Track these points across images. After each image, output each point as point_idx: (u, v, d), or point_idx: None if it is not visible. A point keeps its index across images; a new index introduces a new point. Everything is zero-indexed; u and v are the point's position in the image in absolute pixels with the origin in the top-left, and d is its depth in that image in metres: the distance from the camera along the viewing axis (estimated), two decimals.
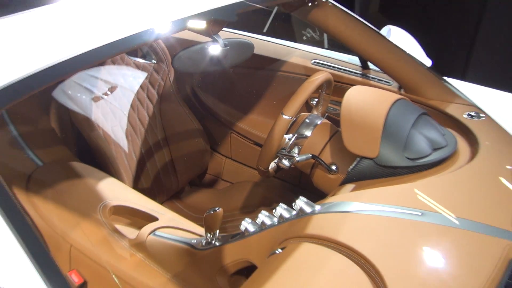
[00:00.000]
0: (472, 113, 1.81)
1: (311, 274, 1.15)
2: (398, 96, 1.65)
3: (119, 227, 1.72)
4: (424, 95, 1.93)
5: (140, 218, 1.77)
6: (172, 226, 1.73)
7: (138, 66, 2.28)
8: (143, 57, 2.32)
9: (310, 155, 1.68)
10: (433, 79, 1.93)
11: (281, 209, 1.43)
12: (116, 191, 1.83)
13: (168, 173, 2.35)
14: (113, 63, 2.19)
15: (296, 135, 1.74)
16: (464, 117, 1.80)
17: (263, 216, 1.45)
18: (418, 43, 2.21)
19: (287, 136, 1.73)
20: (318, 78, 1.76)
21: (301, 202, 1.41)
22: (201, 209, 2.40)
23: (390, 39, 2.01)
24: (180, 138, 2.40)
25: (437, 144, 1.57)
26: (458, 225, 1.23)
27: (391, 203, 1.34)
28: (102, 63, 2.15)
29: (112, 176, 1.91)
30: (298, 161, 1.69)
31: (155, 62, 2.34)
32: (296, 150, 1.74)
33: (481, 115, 1.80)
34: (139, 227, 1.69)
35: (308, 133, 1.74)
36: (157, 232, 1.68)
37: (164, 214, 1.77)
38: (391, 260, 1.15)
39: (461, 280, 1.11)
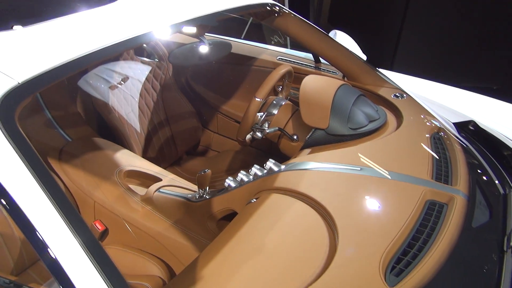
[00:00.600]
0: (397, 94, 1.78)
1: (278, 217, 1.12)
2: (342, 82, 1.62)
3: (131, 186, 1.67)
4: (362, 82, 1.89)
5: (148, 180, 1.72)
6: (173, 185, 1.68)
7: (144, 63, 2.20)
8: (148, 56, 2.24)
9: (277, 128, 1.65)
10: (368, 69, 1.89)
11: (255, 169, 1.40)
12: (129, 159, 1.78)
13: (169, 145, 2.30)
14: (125, 60, 2.11)
15: (266, 113, 1.69)
16: (391, 97, 1.77)
17: (241, 175, 1.42)
18: (356, 42, 2.17)
19: (259, 114, 1.69)
20: (282, 69, 1.72)
21: (270, 163, 1.37)
22: (195, 172, 2.34)
23: (336, 40, 1.96)
24: (178, 118, 2.34)
25: (372, 117, 1.54)
26: (388, 176, 1.21)
27: (338, 162, 1.31)
28: (116, 59, 2.07)
29: (126, 149, 1.86)
30: (268, 133, 1.65)
31: (157, 60, 2.26)
32: (266, 125, 1.70)
33: (404, 95, 1.77)
34: (147, 186, 1.65)
35: (275, 111, 1.70)
36: (161, 190, 1.63)
37: (167, 176, 1.72)
38: (339, 204, 1.13)
39: (391, 217, 1.09)
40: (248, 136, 1.75)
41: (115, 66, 2.07)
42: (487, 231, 1.09)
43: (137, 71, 2.15)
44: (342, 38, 2.15)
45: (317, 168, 1.29)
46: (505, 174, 1.39)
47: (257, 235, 1.06)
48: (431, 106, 1.76)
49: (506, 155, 1.48)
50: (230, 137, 2.49)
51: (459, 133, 1.63)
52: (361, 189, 1.18)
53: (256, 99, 1.63)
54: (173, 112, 2.32)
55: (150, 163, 1.81)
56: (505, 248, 1.02)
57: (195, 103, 2.44)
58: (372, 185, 1.18)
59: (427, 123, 1.56)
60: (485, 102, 1.83)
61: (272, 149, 2.32)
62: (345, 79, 1.96)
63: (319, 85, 1.59)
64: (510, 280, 0.93)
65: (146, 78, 2.19)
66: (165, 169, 1.85)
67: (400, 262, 0.94)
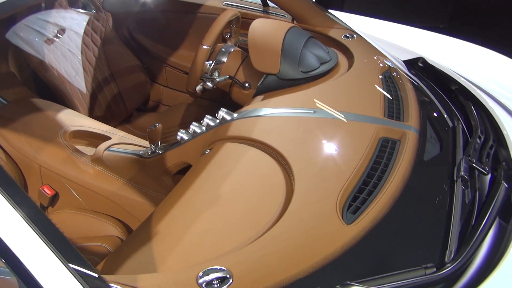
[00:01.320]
0: (348, 35, 1.76)
1: (233, 165, 1.10)
2: (291, 25, 1.57)
3: (79, 147, 1.59)
4: (311, 24, 1.85)
5: (96, 139, 1.63)
6: (123, 142, 1.61)
7: (80, 14, 2.05)
8: (84, 7, 2.08)
9: (227, 76, 1.59)
10: (317, 11, 1.85)
11: (207, 120, 1.36)
12: (73, 119, 1.68)
13: (118, 102, 2.20)
14: (58, 13, 1.95)
15: (215, 61, 1.63)
16: (342, 38, 1.74)
17: (194, 127, 1.38)
18: None
19: (207, 63, 1.62)
20: (228, 14, 1.64)
21: (222, 112, 1.33)
22: (147, 128, 2.28)
23: None
24: (124, 74, 2.23)
25: (323, 59, 1.52)
26: (341, 117, 1.21)
27: (291, 106, 1.29)
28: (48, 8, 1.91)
29: (69, 109, 1.75)
30: (218, 82, 1.59)
31: (95, 11, 2.11)
32: (216, 74, 1.64)
33: (354, 35, 1.75)
34: (96, 146, 1.57)
35: (224, 59, 1.64)
36: (111, 148, 1.56)
37: (116, 134, 1.65)
38: (293, 148, 1.12)
39: (346, 157, 1.09)
40: (199, 87, 1.69)
41: (48, 16, 1.91)
42: (438, 163, 1.12)
43: (73, 23, 2.00)
44: None
45: (270, 114, 1.27)
46: (453, 108, 1.42)
47: (212, 185, 1.04)
48: (381, 45, 1.75)
49: (454, 89, 1.51)
50: (180, 90, 2.41)
51: (409, 70, 1.64)
52: (315, 131, 1.17)
53: (203, 46, 1.56)
54: (118, 68, 2.19)
55: (97, 122, 1.72)
56: (455, 178, 1.05)
57: (141, 57, 2.32)
58: (326, 127, 1.18)
59: (378, 63, 1.56)
60: (433, 38, 1.85)
61: (225, 99, 2.27)
62: (294, 22, 1.91)
63: (268, 29, 1.54)
64: (460, 207, 0.97)
65: (85, 32, 2.04)
66: (115, 127, 1.77)
67: (356, 199, 0.95)
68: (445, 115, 1.33)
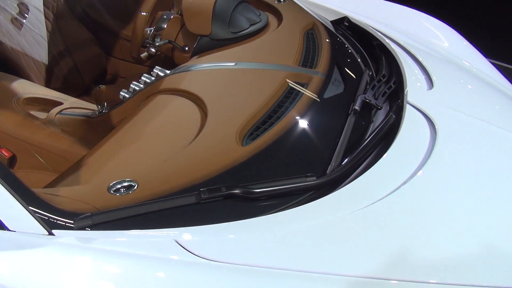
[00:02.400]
0: (281, 0, 1.90)
1: (159, 111, 1.26)
2: None
3: (32, 112, 1.73)
4: None
5: (49, 105, 1.77)
6: (74, 106, 1.75)
7: None
8: None
9: (167, 40, 1.73)
10: None
11: (144, 78, 1.50)
12: (27, 88, 1.81)
13: (74, 75, 2.31)
14: None
15: (156, 27, 1.77)
16: (275, 2, 1.89)
17: (133, 85, 1.52)
18: None
19: (148, 29, 1.76)
20: None
21: (157, 70, 1.48)
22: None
23: None
24: (79, 47, 2.34)
25: (253, 21, 1.66)
26: (258, 67, 1.37)
27: (217, 61, 1.45)
28: None
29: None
30: (158, 46, 1.73)
31: None
32: (158, 39, 1.78)
33: (286, 0, 1.90)
34: (49, 111, 1.71)
35: (164, 25, 1.77)
36: (63, 112, 1.70)
37: (68, 100, 1.78)
38: (212, 93, 1.28)
39: (255, 98, 1.25)
40: (144, 54, 1.83)
41: None
42: (337, 100, 1.29)
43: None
44: None
45: (197, 68, 1.42)
46: (367, 57, 1.59)
47: (138, 126, 1.20)
48: (310, 7, 1.90)
49: (371, 43, 1.68)
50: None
51: (335, 29, 1.80)
52: (233, 79, 1.33)
53: (141, 13, 1.70)
54: (72, 41, 2.30)
55: (51, 90, 1.85)
56: (349, 111, 1.22)
57: (95, 31, 2.43)
58: (243, 75, 1.34)
59: (303, 22, 1.71)
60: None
61: (174, 64, 2.41)
62: None
63: None
64: (349, 133, 1.15)
65: (36, 8, 2.15)
66: None
67: (258, 130, 1.12)
68: (356, 63, 1.50)
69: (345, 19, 1.85)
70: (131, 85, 1.52)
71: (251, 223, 0.87)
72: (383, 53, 1.60)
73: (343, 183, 1.02)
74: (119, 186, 0.93)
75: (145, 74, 1.50)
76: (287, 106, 1.19)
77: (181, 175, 0.97)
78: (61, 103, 1.76)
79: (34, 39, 2.11)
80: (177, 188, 0.92)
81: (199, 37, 1.62)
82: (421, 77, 1.45)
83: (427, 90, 1.38)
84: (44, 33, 2.17)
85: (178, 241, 0.81)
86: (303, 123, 1.15)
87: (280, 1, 1.90)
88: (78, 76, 2.33)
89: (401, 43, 1.66)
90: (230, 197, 0.92)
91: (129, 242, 0.82)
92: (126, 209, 0.86)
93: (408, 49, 1.62)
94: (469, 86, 1.47)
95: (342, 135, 1.14)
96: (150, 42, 1.76)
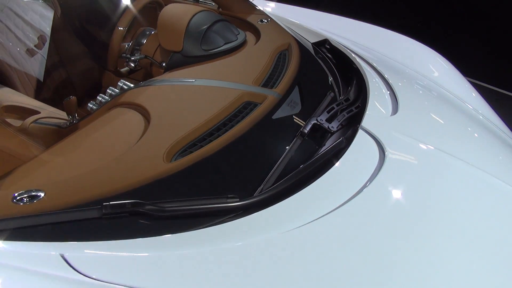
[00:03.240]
0: (263, 20, 1.91)
1: (107, 124, 1.26)
2: (201, 8, 1.73)
3: (9, 120, 1.76)
4: (234, 11, 2.00)
5: (27, 114, 1.80)
6: (51, 116, 1.78)
7: (27, 4, 2.22)
8: None
9: (144, 55, 1.75)
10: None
11: (110, 91, 1.52)
12: (8, 96, 1.85)
13: (67, 87, 2.36)
14: None
15: (134, 42, 1.79)
16: (257, 22, 1.89)
17: (100, 98, 1.54)
18: None
19: (126, 43, 1.79)
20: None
21: (121, 83, 1.50)
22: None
23: None
24: (73, 60, 2.40)
25: (228, 39, 1.67)
26: (216, 84, 1.35)
27: (179, 77, 1.45)
28: None
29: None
30: (134, 60, 1.75)
31: (42, 0, 2.29)
32: (138, 54, 1.80)
33: (268, 20, 1.90)
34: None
35: (144, 40, 1.80)
36: (38, 121, 1.73)
37: (46, 109, 1.82)
38: (161, 106, 1.27)
39: (202, 114, 1.23)
40: (125, 68, 1.86)
41: None
42: (287, 122, 1.26)
43: (20, 10, 2.18)
44: None
45: (158, 83, 1.43)
46: (339, 81, 1.56)
47: (77, 139, 1.20)
48: (294, 28, 1.90)
49: (351, 68, 1.65)
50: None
51: (315, 51, 1.78)
52: (187, 96, 1.32)
53: (118, 28, 1.73)
54: (66, 54, 2.37)
55: (33, 99, 1.89)
56: (297, 134, 1.19)
57: (91, 45, 2.49)
58: (198, 92, 1.33)
59: (280, 43, 1.70)
60: (341, 22, 1.99)
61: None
62: (220, 9, 2.06)
63: (177, 12, 1.70)
64: (288, 158, 1.11)
65: (33, 20, 2.22)
66: None
67: (193, 147, 1.09)
68: (322, 86, 1.47)
69: (326, 41, 1.83)
70: (98, 97, 1.54)
71: (150, 242, 0.84)
72: (355, 76, 1.57)
73: (266, 207, 0.97)
74: (24, 195, 0.92)
75: (110, 87, 1.52)
76: (232, 125, 1.17)
77: (95, 188, 0.95)
78: (38, 112, 1.79)
79: (28, 51, 2.17)
80: (86, 200, 0.90)
81: (172, 53, 1.63)
82: (388, 102, 1.41)
83: (390, 115, 1.34)
84: (40, 45, 2.24)
85: (64, 256, 0.78)
86: (241, 142, 1.12)
87: (263, 21, 1.90)
88: (70, 88, 2.38)
89: (377, 67, 1.62)
90: (136, 214, 0.89)
91: (14, 253, 0.80)
92: (16, 219, 0.85)
93: (382, 74, 1.58)
94: (437, 116, 1.42)
95: (282, 157, 1.10)
96: (128, 56, 1.78)
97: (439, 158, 1.17)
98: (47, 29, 2.21)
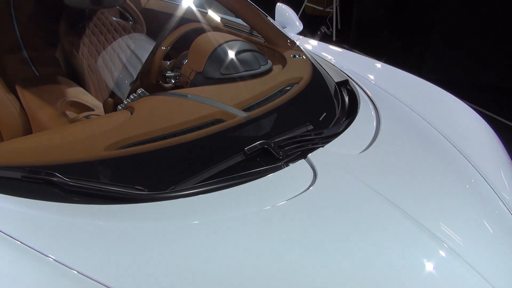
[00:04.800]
0: (297, 56, 2.02)
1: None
2: (233, 38, 1.92)
3: (69, 113, 2.14)
4: (277, 45, 2.16)
5: (85, 110, 2.17)
6: (100, 114, 2.12)
7: (119, 24, 2.67)
8: (124, 19, 2.71)
9: (178, 73, 2.00)
10: (281, 34, 2.16)
11: (132, 96, 1.77)
12: (77, 95, 2.25)
13: (115, 94, 2.71)
14: (99, 20, 2.60)
15: (176, 61, 2.06)
16: (290, 57, 2.02)
17: (126, 101, 1.80)
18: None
19: (167, 62, 2.06)
20: (189, 26, 2.07)
21: (139, 91, 1.74)
22: None
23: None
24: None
25: (250, 68, 1.82)
26: (203, 101, 1.49)
27: (183, 92, 1.64)
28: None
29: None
30: (175, 77, 2.01)
31: (132, 22, 2.72)
32: (178, 72, 2.06)
33: (301, 56, 2.01)
34: None
35: (184, 61, 2.05)
36: (89, 116, 2.08)
37: (100, 109, 2.17)
38: (145, 111, 1.46)
39: (176, 120, 1.37)
40: (168, 84, 2.14)
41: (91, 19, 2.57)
42: (239, 140, 1.34)
43: (112, 29, 2.63)
44: (283, 10, 2.43)
45: (161, 94, 1.64)
46: (336, 117, 1.60)
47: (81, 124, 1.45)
48: (326, 67, 1.98)
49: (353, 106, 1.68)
50: None
51: (335, 89, 1.84)
52: (172, 106, 1.48)
53: (162, 47, 2.00)
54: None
55: (95, 99, 2.27)
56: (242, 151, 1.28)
57: None
58: (182, 104, 1.49)
59: (295, 76, 1.80)
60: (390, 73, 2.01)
61: None
62: (266, 43, 2.24)
63: (211, 38, 1.92)
64: (217, 169, 1.20)
65: (122, 38, 2.66)
66: None
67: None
68: (306, 117, 1.53)
69: (346, 82, 1.87)
70: (125, 101, 1.81)
71: (49, 205, 1.01)
72: (351, 114, 1.60)
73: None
74: None
75: (133, 94, 1.78)
76: (184, 132, 1.30)
77: (36, 156, 1.16)
78: (93, 110, 2.14)
79: (111, 62, 2.60)
80: (24, 164, 1.12)
81: (195, 73, 1.84)
82: (365, 142, 1.41)
83: (358, 153, 1.35)
84: (122, 59, 2.65)
85: None
86: (181, 147, 1.25)
87: (296, 56, 2.02)
88: (119, 95, 2.72)
89: (380, 110, 1.63)
90: (49, 183, 1.07)
91: None
92: None
93: (379, 116, 1.58)
94: (408, 164, 1.37)
95: (211, 167, 1.20)
96: (166, 73, 2.05)
97: (368, 196, 1.15)
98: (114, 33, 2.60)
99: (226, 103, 1.50)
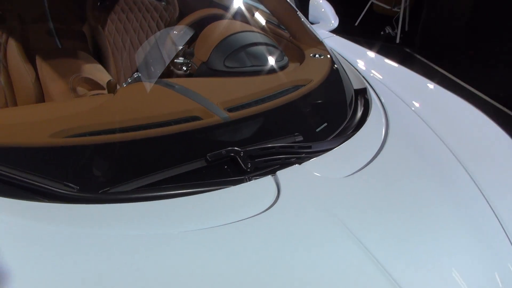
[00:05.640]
0: (317, 54, 1.83)
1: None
2: (245, 29, 1.76)
3: (80, 89, 2.10)
4: (302, 42, 1.97)
5: (96, 88, 2.12)
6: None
7: (151, 4, 2.59)
8: None
9: (188, 60, 1.88)
10: (309, 31, 1.97)
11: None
12: (92, 72, 2.20)
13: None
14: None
15: (186, 46, 1.94)
16: (310, 55, 1.83)
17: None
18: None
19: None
20: (207, 11, 1.94)
21: (136, 74, 1.65)
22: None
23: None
24: None
25: (259, 63, 1.66)
26: (187, 95, 1.35)
27: (175, 82, 1.51)
28: None
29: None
30: (187, 64, 1.89)
31: (165, 3, 2.63)
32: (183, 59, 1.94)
33: (322, 56, 1.81)
34: None
35: None
36: (98, 94, 2.02)
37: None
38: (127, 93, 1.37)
39: (152, 111, 1.27)
40: (180, 71, 2.03)
41: None
42: (207, 143, 1.19)
43: (143, 8, 2.56)
44: (319, 4, 2.23)
45: (151, 81, 1.52)
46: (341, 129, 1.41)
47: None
48: (349, 71, 1.78)
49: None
50: None
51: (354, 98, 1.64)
52: (155, 94, 1.36)
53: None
54: None
55: (109, 77, 2.21)
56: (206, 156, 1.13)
57: None
58: (166, 95, 1.36)
59: (305, 77, 1.62)
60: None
61: None
62: (291, 37, 2.05)
63: (221, 27, 1.77)
64: (173, 173, 1.07)
65: (152, 17, 2.58)
66: None
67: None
68: (297, 127, 1.35)
69: (365, 90, 1.66)
70: (124, 84, 1.72)
71: None
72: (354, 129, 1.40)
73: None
74: None
75: (130, 77, 1.68)
76: (151, 126, 1.18)
77: None
78: (104, 89, 2.08)
79: (134, 40, 2.54)
80: None
81: (201, 62, 1.71)
82: (358, 164, 1.21)
83: (341, 177, 1.15)
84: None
85: None
86: (140, 143, 1.12)
87: (316, 56, 1.83)
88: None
89: (391, 128, 1.41)
90: None
91: None
92: None
93: (388, 134, 1.37)
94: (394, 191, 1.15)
95: (163, 170, 1.07)
96: (178, 60, 1.94)
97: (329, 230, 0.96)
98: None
99: (213, 100, 1.36)
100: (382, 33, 5.84)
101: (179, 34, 1.92)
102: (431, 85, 1.72)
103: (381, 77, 1.73)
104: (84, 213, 0.94)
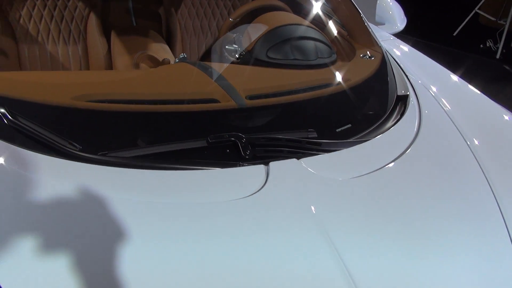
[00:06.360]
0: (367, 56, 1.77)
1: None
2: (298, 22, 1.75)
3: (143, 65, 2.24)
4: (358, 41, 1.92)
5: (157, 64, 2.25)
6: None
7: None
8: None
9: (237, 46, 1.92)
10: (365, 30, 1.91)
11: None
12: (158, 51, 2.34)
13: None
14: None
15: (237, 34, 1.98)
16: (360, 56, 1.78)
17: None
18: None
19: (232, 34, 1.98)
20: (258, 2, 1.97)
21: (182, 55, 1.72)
22: None
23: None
24: None
25: (302, 58, 1.65)
26: (217, 79, 1.39)
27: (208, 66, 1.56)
28: None
29: None
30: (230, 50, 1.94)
31: None
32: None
33: (372, 58, 1.75)
34: None
35: None
36: None
37: None
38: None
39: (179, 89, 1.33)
40: (232, 59, 2.08)
41: None
42: (216, 126, 1.21)
43: None
44: (387, 6, 2.15)
45: (191, 64, 1.59)
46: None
47: None
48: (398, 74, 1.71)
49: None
50: None
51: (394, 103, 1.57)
52: (183, 76, 1.42)
53: (230, 19, 1.94)
54: None
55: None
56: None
57: None
58: (194, 76, 1.41)
59: (344, 76, 1.58)
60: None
61: None
62: (348, 36, 2.00)
63: (276, 18, 1.79)
64: (175, 148, 1.11)
65: (224, 5, 2.66)
66: None
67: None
68: (317, 124, 1.32)
69: (407, 97, 1.58)
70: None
71: None
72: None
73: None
74: None
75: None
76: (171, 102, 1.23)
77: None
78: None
79: None
80: None
81: (246, 52, 1.74)
82: (360, 170, 1.17)
83: (338, 179, 1.11)
84: None
85: None
86: (155, 116, 1.18)
87: (365, 57, 1.77)
88: None
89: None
90: None
91: None
92: None
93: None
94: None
95: (164, 144, 1.11)
96: (229, 45, 1.98)
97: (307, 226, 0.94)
98: None
99: (236, 86, 1.38)
100: (481, 46, 5.41)
101: (230, 22, 1.97)
102: (506, 117, 1.53)
103: (434, 89, 1.62)
104: (82, 171, 1.03)
